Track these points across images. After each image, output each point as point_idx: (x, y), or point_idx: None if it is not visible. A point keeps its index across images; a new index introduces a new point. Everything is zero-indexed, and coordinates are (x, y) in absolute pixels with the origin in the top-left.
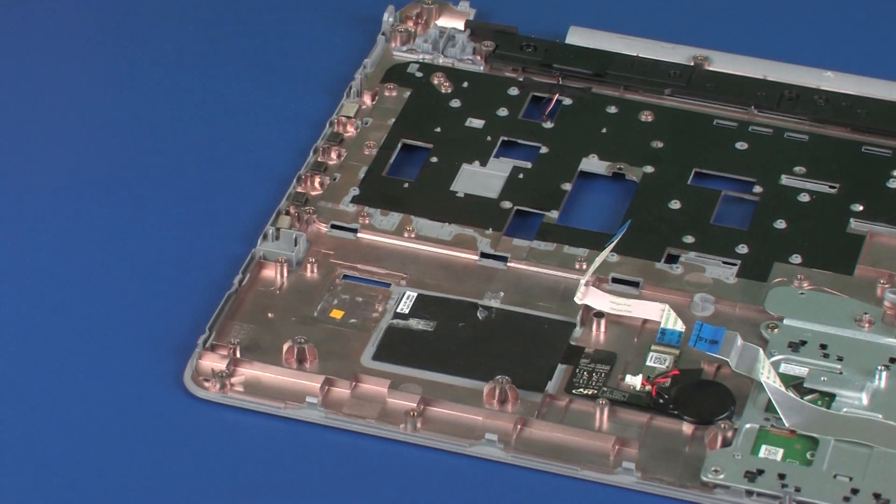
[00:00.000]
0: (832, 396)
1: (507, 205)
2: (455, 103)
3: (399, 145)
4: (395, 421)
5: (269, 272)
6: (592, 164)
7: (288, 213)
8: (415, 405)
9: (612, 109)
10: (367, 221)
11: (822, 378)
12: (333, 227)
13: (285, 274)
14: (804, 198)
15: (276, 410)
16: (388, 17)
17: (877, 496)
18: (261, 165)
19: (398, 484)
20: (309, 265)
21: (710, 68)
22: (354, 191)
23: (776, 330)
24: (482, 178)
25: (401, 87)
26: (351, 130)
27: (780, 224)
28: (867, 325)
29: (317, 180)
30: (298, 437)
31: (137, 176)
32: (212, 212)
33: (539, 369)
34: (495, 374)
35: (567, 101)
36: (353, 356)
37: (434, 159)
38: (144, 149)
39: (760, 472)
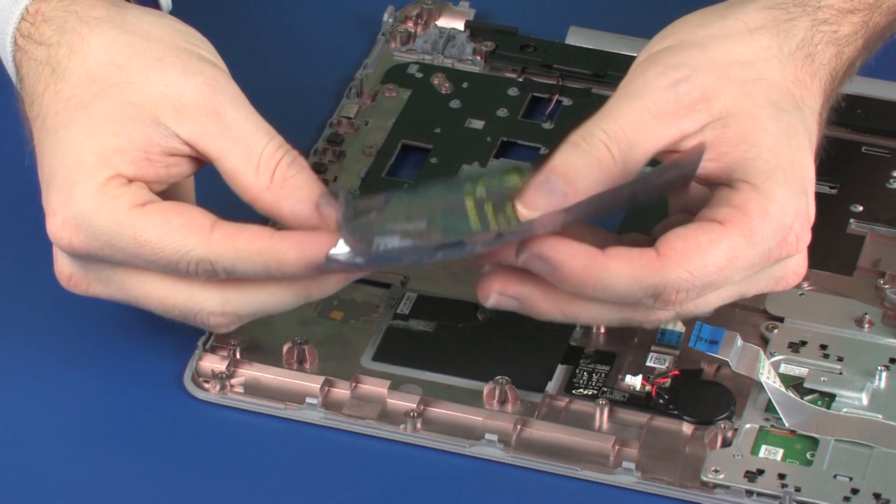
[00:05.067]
0: (832, 396)
1: None
2: (455, 104)
3: (399, 146)
4: (395, 421)
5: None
6: None
7: None
8: (415, 406)
9: None
10: None
11: (822, 378)
12: None
13: None
14: None
15: (276, 411)
16: (388, 18)
17: (877, 496)
18: None
19: (398, 484)
20: None
21: None
22: (354, 191)
23: (776, 330)
24: None
25: (401, 88)
26: (351, 131)
27: None
28: (867, 325)
29: None
30: (298, 437)
31: None
32: (212, 212)
33: (539, 369)
34: (495, 375)
35: (567, 102)
36: (353, 357)
37: (434, 160)
38: None
39: (760, 472)
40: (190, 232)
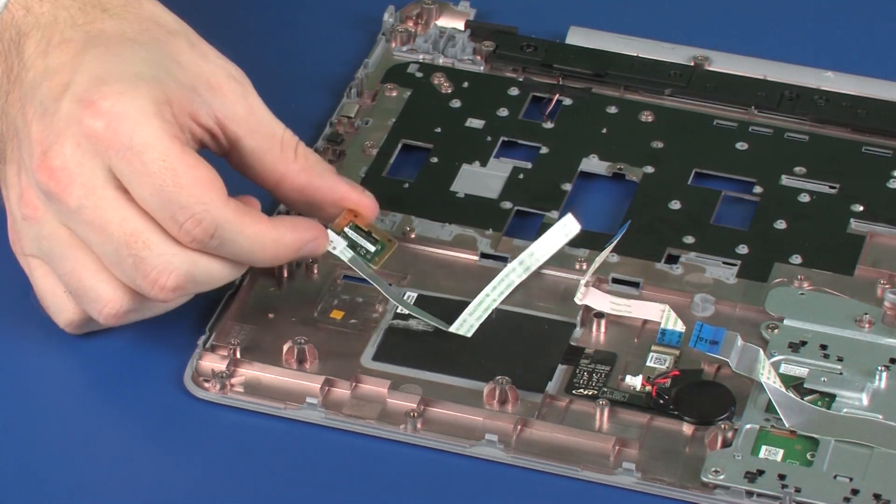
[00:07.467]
0: (832, 397)
1: (507, 205)
2: (455, 103)
3: (399, 145)
4: (395, 421)
5: (269, 272)
6: (592, 164)
7: (288, 213)
8: (415, 406)
9: (612, 109)
10: None
11: (822, 378)
12: None
13: (285, 274)
14: (804, 198)
15: (276, 411)
16: (388, 18)
17: (877, 496)
18: None
19: (398, 484)
20: (309, 265)
21: (710, 68)
22: None
23: (776, 330)
24: (482, 179)
25: (401, 88)
26: (351, 130)
27: (781, 224)
28: (867, 325)
29: None
30: (298, 437)
31: None
32: None
33: (539, 369)
34: (495, 375)
35: (567, 101)
36: (353, 356)
37: (434, 159)
38: None
39: (760, 472)
40: (215, 189)
